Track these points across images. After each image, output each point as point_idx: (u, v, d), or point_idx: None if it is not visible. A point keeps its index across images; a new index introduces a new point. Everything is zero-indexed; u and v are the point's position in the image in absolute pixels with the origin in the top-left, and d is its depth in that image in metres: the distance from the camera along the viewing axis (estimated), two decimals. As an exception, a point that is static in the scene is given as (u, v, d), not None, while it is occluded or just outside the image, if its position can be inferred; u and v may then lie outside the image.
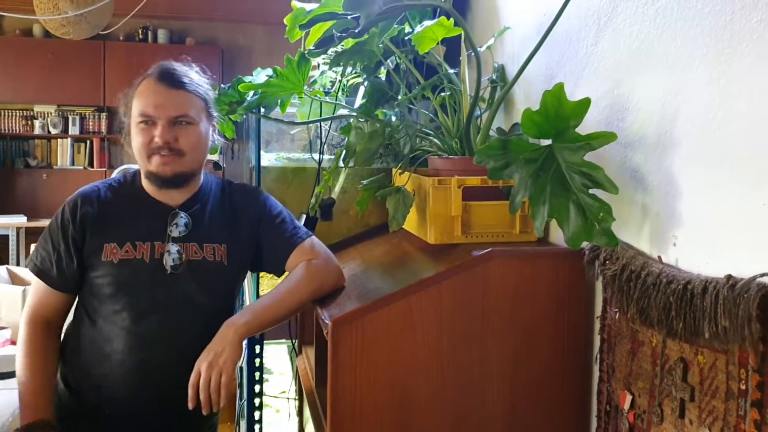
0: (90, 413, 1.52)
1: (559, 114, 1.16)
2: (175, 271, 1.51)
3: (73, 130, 6.56)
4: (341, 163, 1.65)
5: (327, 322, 1.30)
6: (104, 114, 6.57)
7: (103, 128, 6.56)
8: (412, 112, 1.83)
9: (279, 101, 1.81)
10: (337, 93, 1.99)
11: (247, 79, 1.82)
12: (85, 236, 1.52)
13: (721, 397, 1.00)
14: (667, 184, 1.15)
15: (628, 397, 1.22)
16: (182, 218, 1.56)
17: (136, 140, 1.53)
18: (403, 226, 1.64)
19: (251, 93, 1.81)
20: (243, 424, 2.97)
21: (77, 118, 6.57)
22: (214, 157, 6.39)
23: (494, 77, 1.75)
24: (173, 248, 1.53)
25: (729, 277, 0.95)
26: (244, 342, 1.50)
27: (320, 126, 1.97)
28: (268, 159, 2.30)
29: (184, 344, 1.48)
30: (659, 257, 1.15)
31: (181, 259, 1.52)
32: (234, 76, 1.89)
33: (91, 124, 6.61)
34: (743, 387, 0.95)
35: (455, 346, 1.32)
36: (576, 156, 1.17)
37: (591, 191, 1.16)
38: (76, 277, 1.53)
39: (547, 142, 1.23)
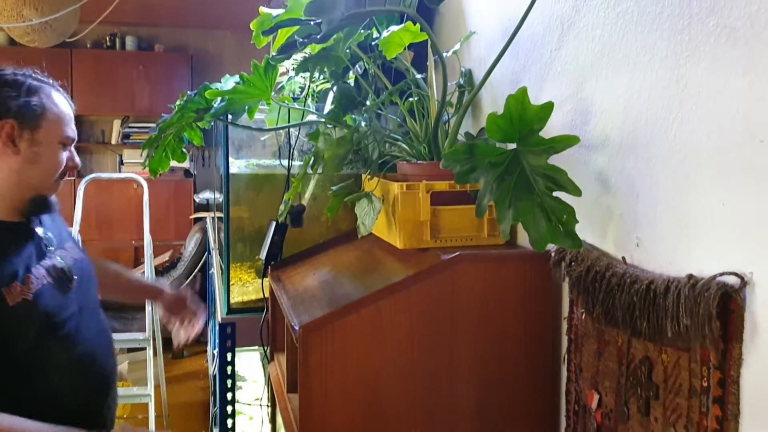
0: None
1: (523, 118, 1.17)
2: (72, 278, 1.49)
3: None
4: (310, 170, 1.64)
5: (296, 328, 1.30)
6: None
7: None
8: (380, 117, 1.83)
9: (246, 108, 1.80)
10: (306, 99, 1.99)
11: (215, 86, 1.81)
12: None
13: (684, 395, 1.01)
14: (629, 185, 1.16)
15: (596, 397, 1.24)
16: (39, 231, 1.48)
17: (51, 161, 1.44)
18: (373, 232, 1.65)
19: (218, 100, 1.80)
20: (216, 431, 2.95)
21: (44, 126, 6.47)
22: (185, 165, 6.33)
23: (461, 82, 1.76)
24: (56, 258, 1.48)
25: (690, 276, 0.97)
26: (215, 350, 1.51)
27: (289, 132, 1.97)
28: (237, 166, 2.29)
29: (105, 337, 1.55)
30: (623, 258, 1.17)
31: (67, 265, 1.50)
32: (204, 83, 1.88)
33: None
34: (705, 384, 0.97)
35: (425, 349, 1.33)
36: (540, 159, 1.18)
37: (555, 194, 1.17)
38: None
39: (513, 146, 1.24)
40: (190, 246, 4.95)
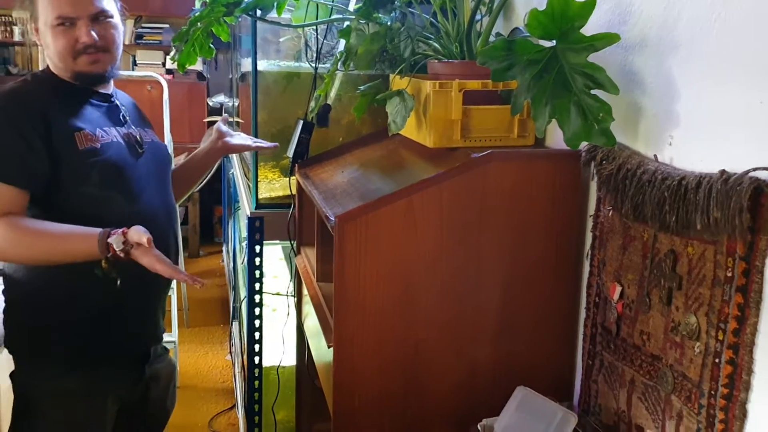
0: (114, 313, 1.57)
1: (565, 14, 1.18)
2: (143, 148, 1.64)
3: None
4: (341, 67, 1.66)
5: (332, 219, 1.35)
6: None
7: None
8: (408, 16, 1.82)
9: (276, 3, 1.79)
10: (334, -3, 1.97)
11: (245, -20, 1.79)
12: (51, 128, 1.47)
13: (708, 285, 1.07)
14: (666, 85, 1.18)
15: (618, 289, 1.30)
16: (121, 106, 1.66)
17: (55, 44, 1.53)
18: (400, 132, 1.67)
19: (248, -6, 1.79)
20: (235, 325, 3.07)
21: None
22: (198, 67, 6.24)
23: (494, -19, 1.75)
24: (133, 131, 1.65)
25: (723, 171, 1.01)
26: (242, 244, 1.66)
27: (317, 29, 1.96)
28: (260, 65, 2.29)
29: (170, 213, 1.68)
30: (655, 156, 1.20)
31: (142, 139, 1.66)
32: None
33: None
34: (729, 274, 1.02)
35: (454, 242, 1.38)
36: (579, 57, 1.20)
37: (592, 92, 1.19)
38: (46, 173, 1.46)
39: (550, 44, 1.25)
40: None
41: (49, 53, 1.57)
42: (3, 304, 1.62)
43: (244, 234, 3.09)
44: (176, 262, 1.62)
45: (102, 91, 1.62)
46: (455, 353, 1.42)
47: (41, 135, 1.46)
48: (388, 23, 1.56)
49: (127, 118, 1.66)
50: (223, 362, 3.51)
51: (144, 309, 1.62)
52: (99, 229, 1.43)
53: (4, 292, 1.62)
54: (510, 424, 1.29)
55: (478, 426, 1.33)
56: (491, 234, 1.40)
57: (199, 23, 1.83)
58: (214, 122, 5.84)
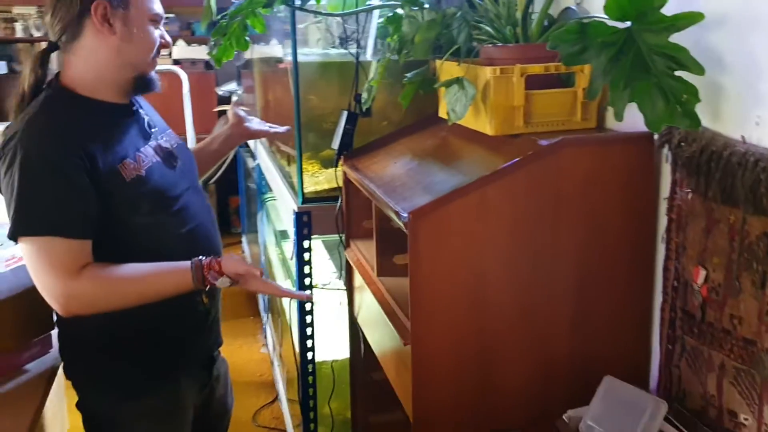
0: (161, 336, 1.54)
1: (644, -5, 1.15)
2: (178, 157, 1.59)
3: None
4: (396, 56, 1.62)
5: (404, 214, 1.32)
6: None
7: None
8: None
9: (316, -8, 1.75)
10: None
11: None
12: (98, 167, 1.38)
13: (811, 268, 1.04)
14: (750, 63, 1.15)
15: (702, 272, 1.27)
16: (142, 113, 1.58)
17: (146, 38, 1.47)
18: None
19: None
20: (268, 316, 3.05)
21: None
22: (204, 57, 6.16)
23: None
24: (162, 140, 1.58)
25: (829, 152, 0.98)
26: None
27: (357, 17, 1.92)
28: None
29: (210, 214, 1.65)
30: (742, 137, 1.17)
31: (172, 146, 1.61)
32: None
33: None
34: (837, 257, 1.00)
35: (527, 233, 1.35)
36: (659, 38, 1.16)
37: (676, 74, 1.16)
38: (99, 213, 1.39)
39: (622, 25, 1.21)
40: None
41: (125, 48, 1.44)
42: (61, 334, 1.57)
43: (281, 227, 3.08)
44: (219, 255, 1.60)
45: (123, 102, 1.52)
46: (530, 346, 1.40)
47: (88, 172, 1.36)
48: (444, 9, 1.51)
49: (152, 126, 1.58)
50: (258, 355, 3.51)
51: (209, 315, 1.60)
52: (187, 263, 1.41)
53: (64, 324, 1.53)
54: (600, 414, 1.27)
55: (564, 417, 1.32)
56: (564, 222, 1.37)
57: (237, 16, 1.80)
58: (224, 111, 5.80)
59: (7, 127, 1.42)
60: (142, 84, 1.51)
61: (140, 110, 1.57)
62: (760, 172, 1.09)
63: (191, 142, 3.36)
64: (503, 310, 1.37)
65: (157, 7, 1.50)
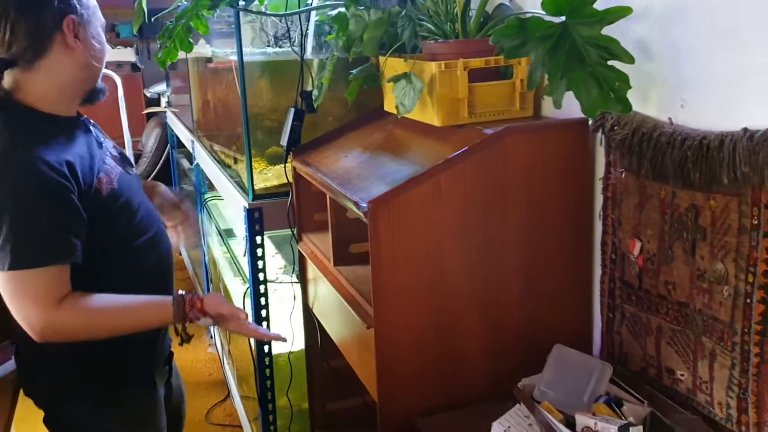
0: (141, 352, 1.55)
1: (577, -9, 1.25)
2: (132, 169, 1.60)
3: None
4: (345, 53, 1.68)
5: (363, 204, 1.39)
6: None
7: None
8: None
9: (260, -7, 1.80)
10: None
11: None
12: (80, 185, 1.35)
13: (734, 233, 1.17)
14: (674, 52, 1.27)
15: (638, 244, 1.39)
16: (89, 124, 1.53)
17: (104, 48, 1.47)
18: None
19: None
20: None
21: None
22: (131, 58, 6.05)
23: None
24: (110, 147, 1.57)
25: (745, 129, 1.10)
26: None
27: (300, 17, 1.97)
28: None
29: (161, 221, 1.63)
30: (669, 119, 1.29)
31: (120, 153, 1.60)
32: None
33: None
34: (756, 222, 1.13)
35: (479, 215, 1.45)
36: (592, 31, 1.26)
37: (609, 63, 1.27)
38: (85, 232, 1.36)
39: (558, 19, 1.31)
40: (151, 141, 4.88)
41: (91, 61, 1.43)
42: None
43: (225, 225, 3.09)
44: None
45: (74, 114, 1.48)
46: (484, 320, 1.50)
47: (74, 193, 1.32)
48: (389, 8, 1.59)
49: (100, 135, 1.55)
50: (205, 355, 3.51)
51: None
52: (168, 299, 1.43)
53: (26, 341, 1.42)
54: (552, 380, 1.38)
55: (519, 385, 1.41)
56: (510, 204, 1.47)
57: (183, 18, 1.82)
58: (153, 114, 5.70)
59: None
60: (95, 93, 1.50)
61: (83, 119, 1.52)
62: (686, 150, 1.21)
63: (128, 146, 3.32)
64: (459, 288, 1.46)
65: (101, 16, 1.50)
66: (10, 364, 1.64)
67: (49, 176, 1.29)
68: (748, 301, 1.15)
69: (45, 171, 1.29)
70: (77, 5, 1.40)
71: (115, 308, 1.39)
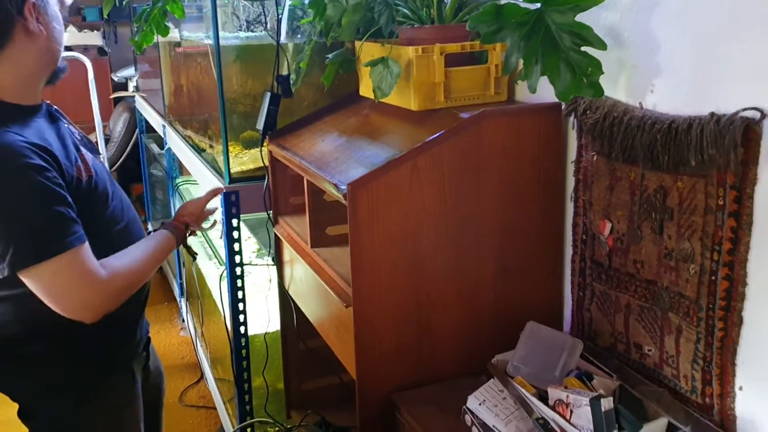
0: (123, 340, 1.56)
1: (552, -21, 1.29)
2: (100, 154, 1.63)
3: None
4: (321, 38, 1.70)
5: (342, 187, 1.42)
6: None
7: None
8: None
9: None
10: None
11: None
12: (63, 171, 1.33)
13: (700, 213, 1.22)
14: (644, 39, 1.32)
15: (608, 225, 1.45)
16: (53, 110, 1.50)
17: (62, 29, 1.42)
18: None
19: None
20: (184, 301, 3.07)
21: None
22: (98, 42, 5.96)
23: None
24: (76, 132, 1.55)
25: (713, 114, 1.15)
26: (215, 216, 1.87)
27: (277, 2, 1.98)
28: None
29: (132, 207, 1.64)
30: (640, 104, 1.34)
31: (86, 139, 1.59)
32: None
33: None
34: (721, 202, 1.18)
35: (455, 198, 1.48)
36: (566, 17, 1.30)
37: (582, 49, 1.31)
38: None
39: (533, 6, 1.35)
40: (119, 126, 4.82)
41: (52, 45, 1.39)
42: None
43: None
44: None
45: (38, 102, 1.44)
46: (460, 299, 1.54)
47: (61, 177, 1.31)
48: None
49: (65, 122, 1.52)
50: (177, 339, 3.51)
51: (145, 294, 1.64)
52: (165, 232, 1.60)
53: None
54: (525, 355, 1.42)
55: (493, 361, 1.46)
56: (487, 186, 1.51)
57: (158, 2, 1.82)
58: (120, 98, 5.63)
59: None
60: (56, 74, 1.46)
61: (47, 105, 1.48)
62: (656, 133, 1.26)
63: (99, 132, 3.29)
64: (435, 268, 1.50)
65: (58, 3, 1.43)
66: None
67: (36, 168, 1.26)
68: (713, 278, 1.21)
69: (29, 164, 1.26)
70: None
71: (139, 257, 1.45)
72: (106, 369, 1.50)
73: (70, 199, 1.31)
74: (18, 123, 1.33)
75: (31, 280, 1.29)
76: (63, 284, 1.30)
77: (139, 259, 1.45)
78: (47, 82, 1.46)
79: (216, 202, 1.87)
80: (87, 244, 1.33)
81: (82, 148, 1.48)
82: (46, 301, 1.31)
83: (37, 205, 1.26)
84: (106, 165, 1.67)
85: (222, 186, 1.82)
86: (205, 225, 1.83)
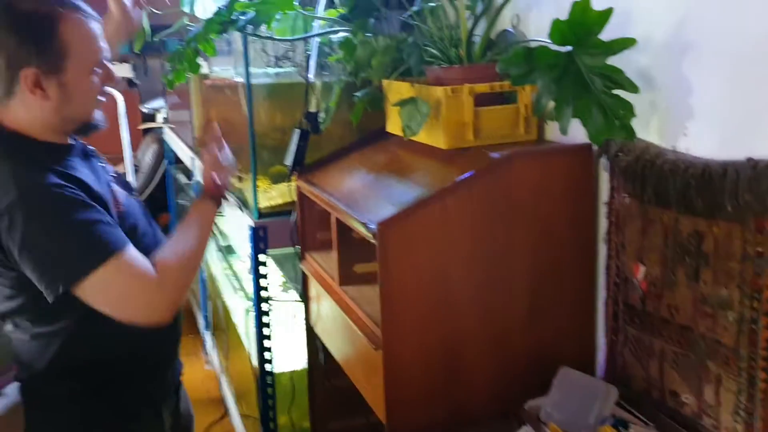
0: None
1: (583, 22, 1.28)
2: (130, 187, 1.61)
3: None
4: (353, 77, 1.71)
5: (372, 226, 1.41)
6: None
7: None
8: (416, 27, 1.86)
9: (268, 18, 1.83)
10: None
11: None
12: (96, 196, 1.36)
13: (737, 259, 1.20)
14: (676, 81, 1.30)
15: (642, 268, 1.42)
16: (88, 147, 1.52)
17: (87, 93, 1.38)
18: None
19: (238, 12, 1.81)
20: (210, 334, 3.07)
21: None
22: (128, 74, 6.04)
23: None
24: (113, 173, 1.56)
25: (749, 159, 1.13)
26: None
27: (305, 42, 2.00)
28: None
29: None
30: (673, 147, 1.32)
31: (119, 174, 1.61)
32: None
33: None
34: (760, 249, 1.15)
35: (485, 238, 1.47)
36: (597, 60, 1.30)
37: (614, 92, 1.30)
38: None
39: (564, 49, 1.35)
40: (147, 157, 4.88)
41: (64, 108, 1.36)
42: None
43: (225, 242, 3.10)
44: None
45: (65, 143, 1.44)
46: (491, 342, 1.51)
47: (94, 201, 1.33)
48: (397, 35, 1.62)
49: (99, 160, 1.54)
50: (202, 372, 3.50)
51: (178, 333, 1.63)
52: (196, 201, 1.57)
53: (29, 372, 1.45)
54: (558, 402, 1.39)
55: (525, 407, 1.43)
56: (516, 227, 1.49)
57: (192, 42, 1.85)
58: (149, 129, 5.72)
59: None
60: (86, 128, 1.44)
61: (80, 145, 1.48)
62: (689, 178, 1.24)
63: (128, 164, 3.33)
64: (466, 310, 1.48)
65: (100, 51, 1.39)
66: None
67: (63, 183, 1.29)
68: (753, 326, 1.18)
69: (59, 181, 1.29)
70: (41, 57, 1.30)
71: (182, 239, 1.46)
72: (134, 411, 1.50)
73: (101, 209, 1.32)
74: (51, 159, 1.36)
75: (86, 296, 1.29)
76: (118, 292, 1.30)
77: (183, 241, 1.45)
78: (77, 132, 1.46)
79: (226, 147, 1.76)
80: (130, 245, 1.33)
81: (113, 185, 1.50)
82: (111, 315, 1.30)
83: (71, 219, 1.27)
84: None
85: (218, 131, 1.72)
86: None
